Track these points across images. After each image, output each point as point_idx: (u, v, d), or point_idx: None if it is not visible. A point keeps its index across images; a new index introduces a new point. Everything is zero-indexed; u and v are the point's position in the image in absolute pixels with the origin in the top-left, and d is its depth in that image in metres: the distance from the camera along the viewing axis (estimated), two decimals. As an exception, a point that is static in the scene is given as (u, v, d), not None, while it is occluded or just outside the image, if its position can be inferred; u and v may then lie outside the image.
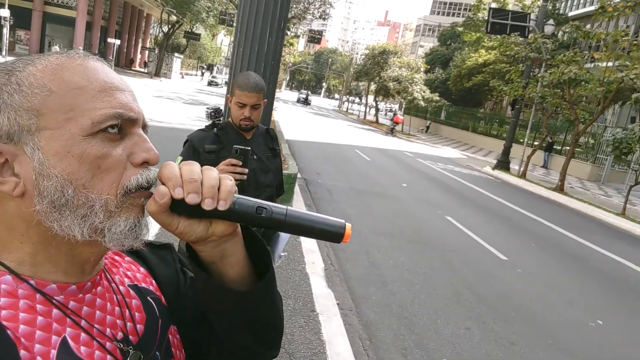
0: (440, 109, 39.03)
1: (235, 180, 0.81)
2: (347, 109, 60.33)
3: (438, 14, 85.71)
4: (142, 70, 45.60)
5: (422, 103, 34.69)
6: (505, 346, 4.10)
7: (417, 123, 41.23)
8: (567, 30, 23.21)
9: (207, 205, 0.55)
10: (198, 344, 0.73)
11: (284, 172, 3.92)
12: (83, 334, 0.56)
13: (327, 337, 3.58)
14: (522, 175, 16.94)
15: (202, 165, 0.58)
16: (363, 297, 4.62)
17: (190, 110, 19.64)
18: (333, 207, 8.13)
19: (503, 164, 18.61)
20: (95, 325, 0.58)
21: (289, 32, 25.63)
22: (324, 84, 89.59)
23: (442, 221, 8.50)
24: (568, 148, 17.14)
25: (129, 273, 0.70)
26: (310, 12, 26.10)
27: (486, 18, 20.61)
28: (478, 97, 36.14)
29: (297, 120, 28.24)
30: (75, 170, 0.53)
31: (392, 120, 33.10)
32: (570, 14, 32.34)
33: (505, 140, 19.97)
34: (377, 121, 41.63)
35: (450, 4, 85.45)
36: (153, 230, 4.45)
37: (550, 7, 29.18)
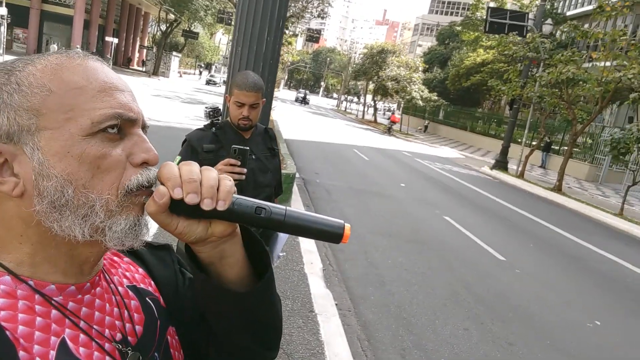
0: (438, 108, 39.12)
1: (234, 180, 0.80)
2: (346, 108, 60.32)
3: (436, 13, 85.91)
4: (140, 69, 45.55)
5: (420, 102, 34.71)
6: (503, 347, 4.11)
7: (415, 122, 41.29)
8: (565, 29, 23.34)
9: (206, 206, 0.55)
10: (197, 344, 0.73)
11: (283, 171, 3.92)
12: (82, 335, 0.56)
13: (326, 337, 3.58)
14: (520, 175, 16.96)
15: (200, 165, 0.58)
16: (361, 297, 4.62)
17: (188, 109, 19.61)
18: (331, 206, 8.13)
19: (501, 163, 18.64)
20: (94, 326, 0.58)
21: (287, 31, 25.59)
22: (322, 83, 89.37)
23: (440, 221, 8.51)
24: (566, 148, 17.16)
25: (127, 274, 0.70)
26: (309, 10, 26.13)
27: (484, 17, 20.61)
28: (476, 96, 36.18)
29: (295, 119, 28.22)
30: (75, 170, 0.53)
31: (389, 119, 33.20)
32: (569, 13, 32.43)
33: (503, 140, 19.99)
34: (375, 120, 41.65)
35: (449, 3, 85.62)
36: (152, 231, 4.44)
37: (549, 7, 29.16)
